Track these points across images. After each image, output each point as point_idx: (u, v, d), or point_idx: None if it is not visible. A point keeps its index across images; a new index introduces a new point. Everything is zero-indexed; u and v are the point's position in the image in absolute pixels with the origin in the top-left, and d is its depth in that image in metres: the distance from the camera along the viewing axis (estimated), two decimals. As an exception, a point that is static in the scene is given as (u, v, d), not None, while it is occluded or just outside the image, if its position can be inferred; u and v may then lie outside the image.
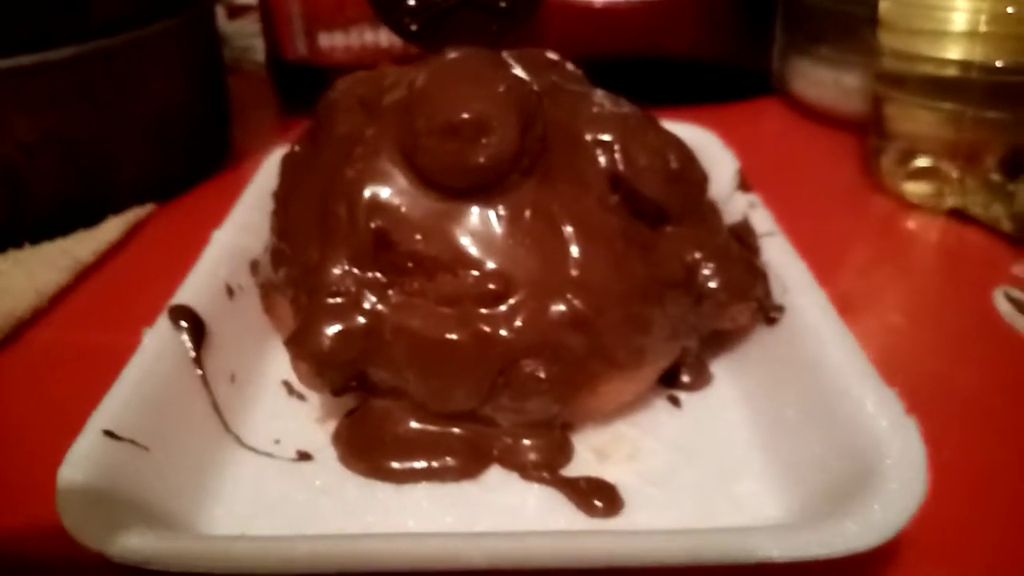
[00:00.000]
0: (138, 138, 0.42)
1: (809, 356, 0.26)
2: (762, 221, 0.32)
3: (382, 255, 0.25)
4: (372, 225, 0.25)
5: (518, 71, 0.27)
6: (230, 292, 0.30)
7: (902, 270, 0.37)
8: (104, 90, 0.39)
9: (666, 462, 0.26)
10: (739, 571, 0.21)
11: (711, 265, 0.28)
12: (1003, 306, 0.33)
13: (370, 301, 0.25)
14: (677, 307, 0.27)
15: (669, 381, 0.29)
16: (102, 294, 0.37)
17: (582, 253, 0.25)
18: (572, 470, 0.26)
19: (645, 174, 0.27)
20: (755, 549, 0.20)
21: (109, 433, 0.23)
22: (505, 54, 0.29)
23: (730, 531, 0.21)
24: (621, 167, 0.27)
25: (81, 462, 0.22)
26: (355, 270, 0.25)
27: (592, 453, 0.26)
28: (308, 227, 0.28)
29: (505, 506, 0.25)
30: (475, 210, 0.26)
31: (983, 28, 0.36)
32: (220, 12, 0.68)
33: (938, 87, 0.38)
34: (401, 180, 0.26)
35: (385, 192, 0.26)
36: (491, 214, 0.26)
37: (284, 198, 0.31)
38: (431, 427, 0.26)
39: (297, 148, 0.32)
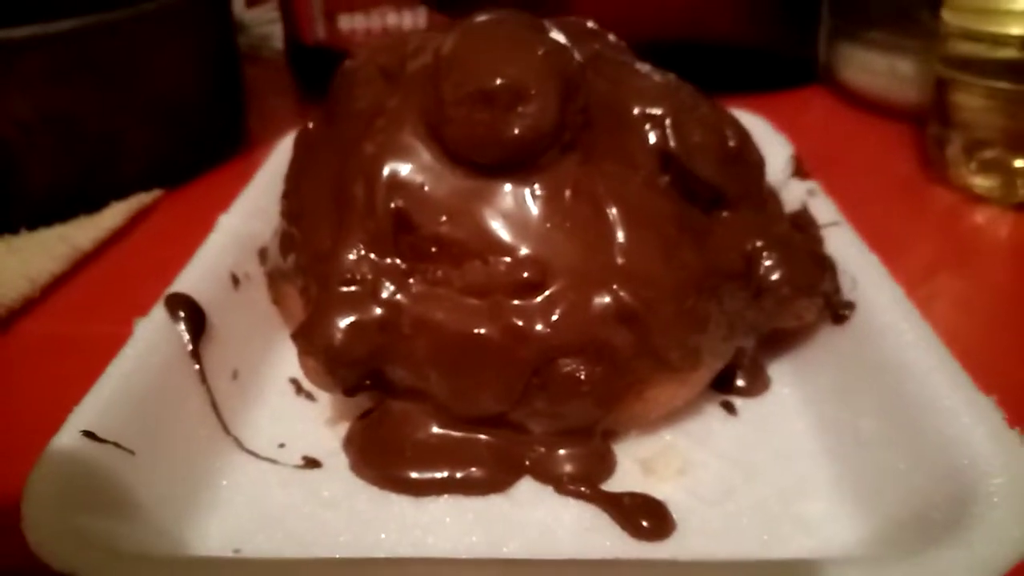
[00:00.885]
0: (144, 119, 0.40)
1: (887, 359, 0.23)
2: (823, 210, 0.29)
3: (403, 239, 0.23)
4: (392, 205, 0.23)
5: (558, 36, 0.24)
6: (235, 281, 0.28)
7: (971, 268, 0.34)
8: (107, 66, 0.37)
9: (721, 478, 0.23)
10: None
11: (773, 255, 0.25)
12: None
13: (388, 290, 0.23)
14: (735, 302, 0.24)
15: (722, 385, 0.26)
16: (100, 284, 0.35)
17: (629, 239, 0.23)
18: (614, 485, 0.23)
19: (699, 152, 0.24)
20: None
21: (89, 434, 0.20)
22: (544, 21, 0.26)
23: (803, 563, 0.18)
24: (672, 144, 0.24)
25: (54, 468, 0.19)
26: (372, 255, 0.23)
27: (637, 466, 0.24)
28: (321, 209, 0.25)
29: (537, 524, 0.22)
30: (508, 189, 0.23)
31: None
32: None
33: (1009, 70, 0.35)
34: (425, 155, 0.24)
35: (407, 168, 0.23)
36: (526, 194, 0.23)
37: (296, 178, 0.28)
38: (455, 433, 0.24)
39: (311, 126, 0.29)
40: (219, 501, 0.23)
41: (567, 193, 0.23)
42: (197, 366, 0.24)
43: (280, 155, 0.35)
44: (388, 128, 0.24)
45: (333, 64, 0.29)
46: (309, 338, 0.23)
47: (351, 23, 0.50)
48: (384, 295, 0.23)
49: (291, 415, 0.26)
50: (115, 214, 0.38)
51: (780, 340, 0.27)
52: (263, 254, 0.30)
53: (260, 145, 0.47)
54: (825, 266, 0.26)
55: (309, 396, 0.26)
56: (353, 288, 0.23)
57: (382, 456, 0.23)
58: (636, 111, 0.25)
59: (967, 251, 0.35)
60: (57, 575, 0.17)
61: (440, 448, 0.23)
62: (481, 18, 0.25)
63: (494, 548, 0.21)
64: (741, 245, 0.25)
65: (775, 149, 0.33)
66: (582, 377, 0.22)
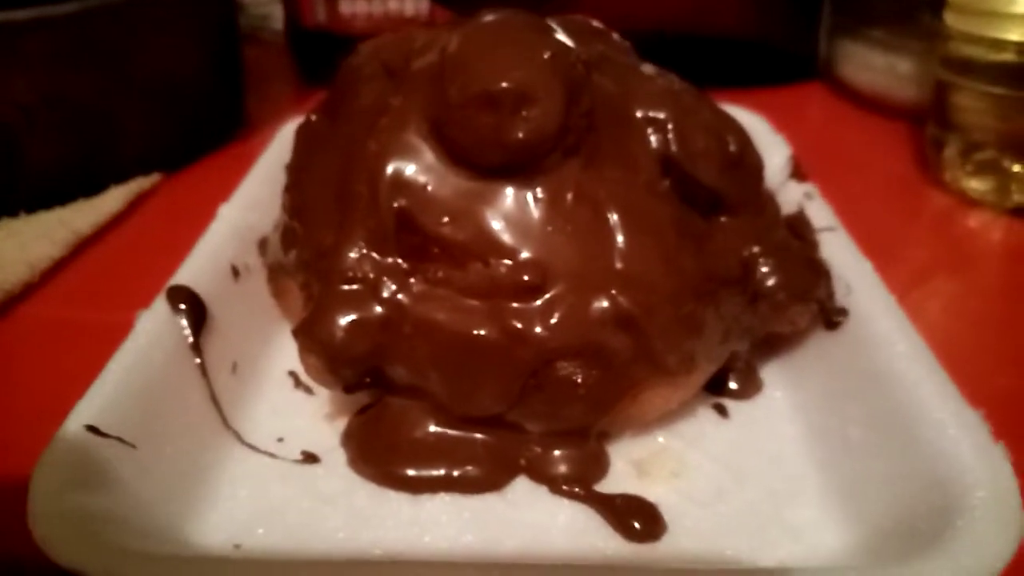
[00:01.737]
0: (144, 102, 0.39)
1: (877, 368, 0.23)
2: (820, 214, 0.29)
3: (404, 238, 0.23)
4: (395, 205, 0.23)
5: (563, 37, 0.24)
6: (235, 273, 0.28)
7: (963, 272, 0.34)
8: (108, 49, 0.37)
9: (713, 480, 0.24)
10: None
11: (770, 261, 0.25)
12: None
13: (389, 289, 0.23)
14: (731, 307, 0.24)
15: (715, 388, 0.26)
16: (99, 269, 0.35)
17: (629, 244, 0.23)
18: (608, 486, 0.23)
19: (701, 158, 0.25)
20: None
21: (93, 429, 0.20)
22: (548, 20, 0.26)
23: (793, 572, 0.19)
24: (674, 148, 0.24)
25: (59, 463, 0.19)
26: (374, 254, 0.23)
27: (631, 467, 0.24)
28: (323, 205, 0.25)
29: (532, 524, 0.22)
30: (510, 192, 0.23)
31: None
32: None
33: (1009, 74, 0.35)
34: (429, 156, 0.23)
35: (411, 168, 0.23)
36: (528, 197, 0.23)
37: (298, 172, 0.28)
38: (452, 431, 0.24)
39: (314, 118, 0.29)
40: (219, 495, 0.23)
41: (569, 197, 0.23)
42: (198, 360, 0.24)
43: (280, 143, 0.34)
44: (392, 127, 0.24)
45: (334, 49, 0.29)
46: (310, 335, 0.23)
47: (352, 7, 0.49)
48: (385, 294, 0.23)
49: (290, 409, 0.26)
50: (115, 198, 0.37)
51: (773, 344, 0.27)
52: (263, 245, 0.30)
53: (259, 128, 0.46)
54: (820, 272, 0.26)
55: (307, 389, 0.27)
56: (355, 286, 0.23)
57: (380, 453, 0.24)
58: (639, 114, 0.25)
59: (960, 255, 0.35)
60: (58, 569, 0.17)
61: (437, 446, 0.24)
62: (487, 18, 0.24)
63: (489, 548, 0.21)
64: (739, 251, 0.25)
65: (773, 150, 0.33)
66: (579, 380, 0.22)
